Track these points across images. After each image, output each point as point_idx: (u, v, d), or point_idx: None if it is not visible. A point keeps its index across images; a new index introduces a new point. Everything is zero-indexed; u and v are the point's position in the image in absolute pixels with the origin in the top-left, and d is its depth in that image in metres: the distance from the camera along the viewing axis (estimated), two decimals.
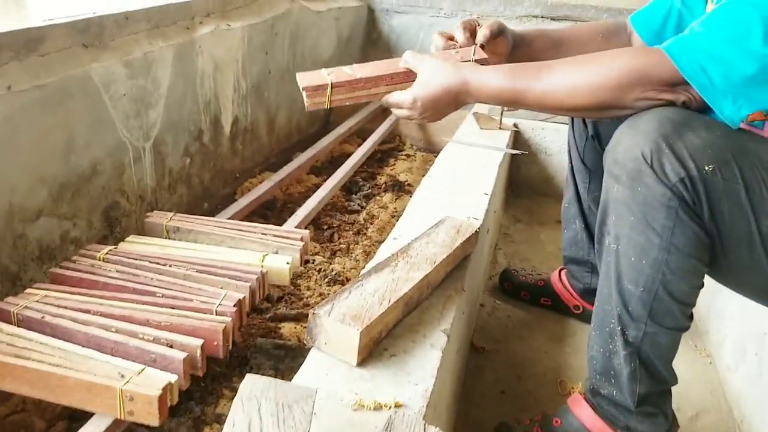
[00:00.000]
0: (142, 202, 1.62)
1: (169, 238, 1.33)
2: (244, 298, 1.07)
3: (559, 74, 0.95)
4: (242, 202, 1.72)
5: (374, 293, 0.95)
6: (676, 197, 0.86)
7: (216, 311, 1.02)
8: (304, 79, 1.08)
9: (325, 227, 1.87)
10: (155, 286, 1.10)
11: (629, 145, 0.89)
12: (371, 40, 2.88)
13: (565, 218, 1.47)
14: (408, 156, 2.52)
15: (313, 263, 1.64)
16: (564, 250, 1.49)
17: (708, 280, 0.98)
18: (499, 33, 1.17)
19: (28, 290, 1.09)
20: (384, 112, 2.57)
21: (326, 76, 1.08)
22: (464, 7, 2.57)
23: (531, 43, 1.23)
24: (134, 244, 1.27)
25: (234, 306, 1.04)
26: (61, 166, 1.33)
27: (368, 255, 1.71)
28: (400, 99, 1.05)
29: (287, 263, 1.21)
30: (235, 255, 1.24)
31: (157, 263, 1.17)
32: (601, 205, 0.98)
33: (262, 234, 1.31)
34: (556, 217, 2.04)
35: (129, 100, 1.50)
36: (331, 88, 1.06)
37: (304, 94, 1.06)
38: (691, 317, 0.99)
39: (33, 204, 1.27)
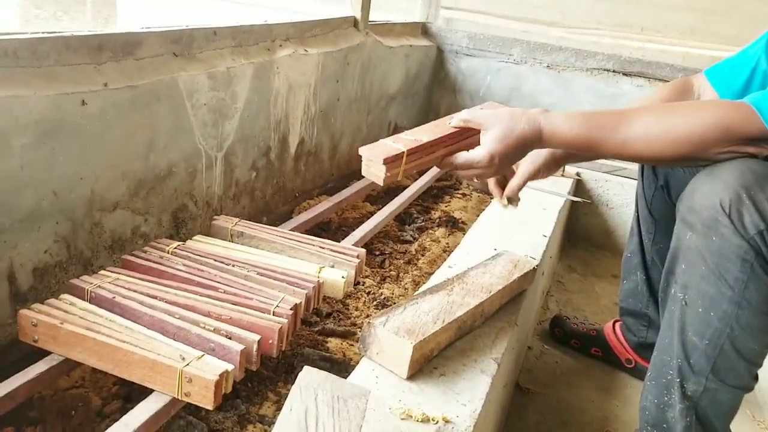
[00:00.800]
0: (208, 208, 1.69)
1: (233, 242, 1.38)
2: (300, 303, 1.10)
3: (640, 125, 0.92)
4: (300, 218, 1.77)
5: (429, 312, 0.97)
6: (753, 250, 0.84)
7: (273, 312, 1.06)
8: (374, 151, 0.97)
9: (377, 253, 1.90)
10: (218, 282, 1.14)
11: (707, 193, 0.88)
12: (438, 79, 2.95)
13: (626, 268, 1.45)
14: (464, 195, 2.54)
15: (363, 285, 1.67)
16: (621, 302, 1.47)
17: None
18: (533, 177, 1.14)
19: (102, 272, 1.15)
20: None
21: (393, 144, 0.99)
22: (534, 56, 2.61)
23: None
24: (200, 243, 1.33)
25: (290, 309, 1.07)
26: (141, 163, 1.41)
27: (417, 284, 1.72)
28: (475, 158, 0.98)
29: (342, 277, 1.24)
30: (294, 264, 1.27)
31: (221, 262, 1.22)
32: (671, 253, 0.97)
33: (320, 247, 1.35)
34: (613, 272, 2.02)
35: (208, 110, 1.58)
36: (406, 155, 0.98)
37: (383, 167, 0.96)
38: (756, 378, 0.96)
39: (112, 196, 1.34)
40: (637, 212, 1.42)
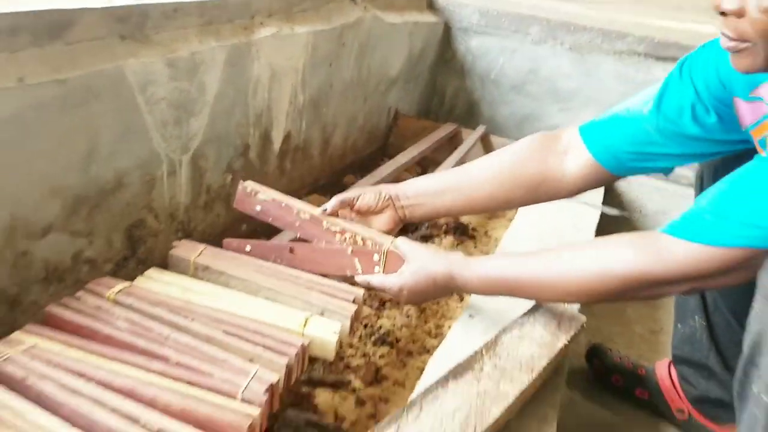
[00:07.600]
0: (173, 221, 1.41)
1: (196, 277, 1.10)
2: (278, 381, 0.83)
3: (554, 276, 0.89)
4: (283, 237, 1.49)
5: (454, 414, 0.70)
6: None
7: (242, 397, 0.79)
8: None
9: None
10: (170, 347, 0.86)
11: None
12: (444, 59, 2.64)
13: (680, 311, 1.18)
14: None
15: None
16: (675, 348, 1.20)
17: None
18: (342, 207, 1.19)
19: (16, 334, 0.86)
20: (450, 141, 2.33)
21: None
22: (555, 35, 2.30)
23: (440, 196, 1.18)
24: (153, 282, 1.04)
25: (265, 391, 0.80)
26: (78, 176, 1.11)
27: (423, 311, 1.46)
28: (386, 284, 1.05)
29: (335, 332, 0.96)
30: (272, 312, 1.00)
31: (178, 313, 0.94)
32: (752, 337, 0.73)
33: (307, 288, 1.07)
34: None
35: (168, 105, 1.28)
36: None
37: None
38: None
39: (41, 218, 1.06)
40: None
